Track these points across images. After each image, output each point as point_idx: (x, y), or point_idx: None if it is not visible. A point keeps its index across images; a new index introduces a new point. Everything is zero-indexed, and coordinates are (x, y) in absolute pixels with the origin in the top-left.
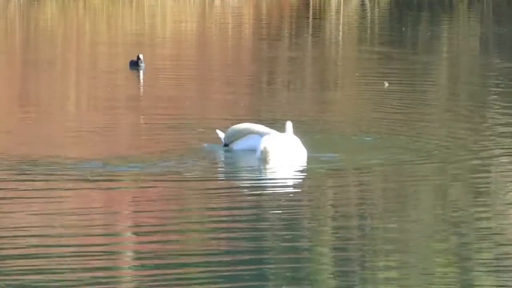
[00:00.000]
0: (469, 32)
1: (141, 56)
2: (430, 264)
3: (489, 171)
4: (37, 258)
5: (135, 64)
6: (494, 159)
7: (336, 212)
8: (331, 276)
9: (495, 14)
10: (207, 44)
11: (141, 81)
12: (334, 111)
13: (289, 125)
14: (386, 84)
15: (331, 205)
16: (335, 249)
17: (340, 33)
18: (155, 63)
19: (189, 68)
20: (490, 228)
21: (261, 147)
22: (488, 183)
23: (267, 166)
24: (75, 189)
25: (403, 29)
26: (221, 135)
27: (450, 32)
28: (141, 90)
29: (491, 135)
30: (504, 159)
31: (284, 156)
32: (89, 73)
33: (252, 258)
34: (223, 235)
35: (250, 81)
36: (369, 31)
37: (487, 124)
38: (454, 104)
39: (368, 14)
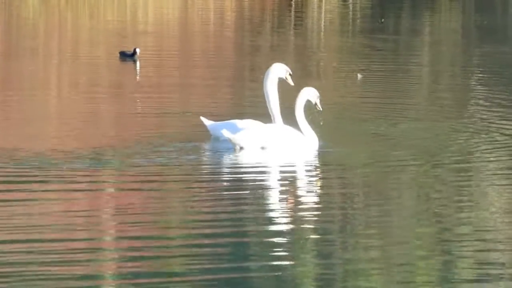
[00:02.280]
0: (450, 22)
1: (137, 50)
2: (412, 258)
3: (473, 166)
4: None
5: (127, 56)
6: (479, 152)
7: (317, 205)
8: (315, 270)
9: (477, 5)
10: (189, 35)
11: (136, 71)
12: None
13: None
14: (359, 76)
15: (311, 198)
16: (317, 244)
17: (322, 24)
18: (141, 53)
19: (173, 58)
20: (471, 221)
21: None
22: (471, 179)
23: (235, 155)
24: (58, 182)
25: (383, 20)
26: (206, 122)
27: (431, 24)
28: (129, 80)
29: (475, 127)
30: (488, 151)
31: (258, 147)
32: (72, 64)
33: (233, 250)
34: (207, 231)
35: (232, 70)
36: (350, 22)
37: (470, 116)
38: (435, 95)
39: (350, 5)
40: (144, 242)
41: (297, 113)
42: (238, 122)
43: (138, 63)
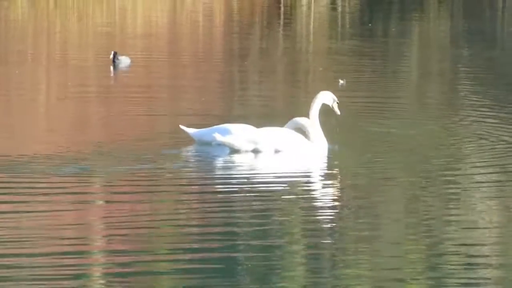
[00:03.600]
0: (438, 26)
1: (112, 53)
2: (401, 263)
3: (462, 172)
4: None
5: (115, 61)
6: (466, 158)
7: (307, 213)
8: (304, 273)
9: (465, 9)
10: (178, 39)
11: (112, 76)
12: (289, 105)
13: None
14: (341, 82)
15: (302, 205)
16: (308, 246)
17: (311, 28)
18: (129, 57)
19: (162, 62)
20: (460, 229)
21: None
22: (460, 185)
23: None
24: (45, 190)
25: (370, 24)
26: (189, 130)
27: (419, 28)
28: (110, 84)
29: (463, 132)
30: (475, 158)
31: (247, 149)
32: (58, 67)
33: (224, 263)
34: (199, 241)
35: (220, 74)
36: (339, 27)
37: (458, 121)
38: (423, 99)
39: (339, 10)
40: (133, 255)
41: (311, 117)
42: (230, 126)
43: (112, 67)
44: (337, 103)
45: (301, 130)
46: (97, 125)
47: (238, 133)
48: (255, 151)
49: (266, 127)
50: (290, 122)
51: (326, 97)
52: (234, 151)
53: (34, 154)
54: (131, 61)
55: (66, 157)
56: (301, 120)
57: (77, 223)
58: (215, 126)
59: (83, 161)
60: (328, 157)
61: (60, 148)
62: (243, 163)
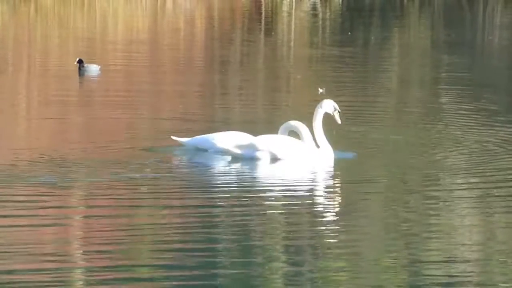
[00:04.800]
0: (418, 34)
1: (77, 60)
2: (381, 272)
3: (442, 179)
4: None
5: (80, 69)
6: (448, 166)
7: (287, 222)
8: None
9: (446, 18)
10: (158, 46)
11: (78, 83)
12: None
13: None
14: (320, 90)
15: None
16: (290, 263)
17: (292, 35)
18: (107, 65)
19: (141, 69)
20: (441, 240)
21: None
22: (440, 193)
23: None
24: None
25: (349, 33)
26: (182, 140)
27: (399, 35)
28: (78, 92)
29: (444, 141)
30: (459, 166)
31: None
32: (34, 73)
33: (206, 270)
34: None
35: (199, 82)
36: (319, 34)
37: (441, 128)
38: (402, 108)
39: (320, 17)
40: (113, 270)
41: (315, 126)
42: (227, 134)
43: (78, 74)
44: (339, 112)
45: (295, 133)
46: (72, 133)
47: (236, 141)
48: (254, 159)
49: (263, 135)
50: (284, 125)
51: (328, 106)
52: (232, 159)
53: (6, 163)
54: (100, 69)
55: (46, 165)
56: (295, 123)
57: (56, 236)
58: (210, 134)
59: (61, 171)
60: (325, 166)
61: (40, 156)
62: (239, 171)
